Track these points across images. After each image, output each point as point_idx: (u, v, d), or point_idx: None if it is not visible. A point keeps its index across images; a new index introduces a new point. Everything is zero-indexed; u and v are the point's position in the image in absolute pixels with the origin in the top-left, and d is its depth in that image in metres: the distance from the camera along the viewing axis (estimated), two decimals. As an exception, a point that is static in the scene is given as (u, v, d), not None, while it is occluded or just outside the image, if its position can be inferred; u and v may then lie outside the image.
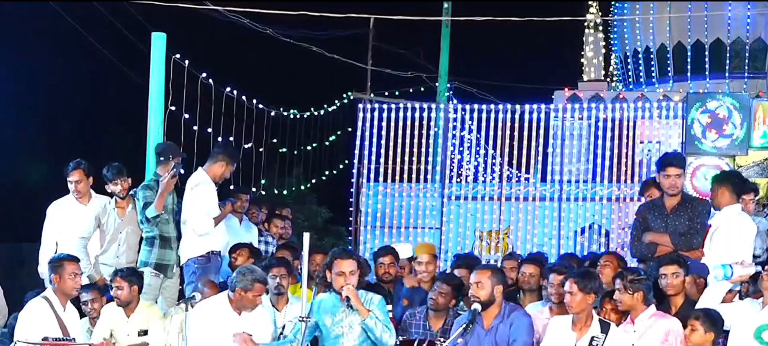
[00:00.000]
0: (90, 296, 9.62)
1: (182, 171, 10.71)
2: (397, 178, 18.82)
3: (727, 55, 29.00)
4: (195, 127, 15.65)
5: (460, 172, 19.74)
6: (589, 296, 8.05)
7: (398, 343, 8.53)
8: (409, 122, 18.68)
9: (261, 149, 18.84)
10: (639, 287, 8.15)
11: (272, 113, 19.83)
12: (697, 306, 8.19)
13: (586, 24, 29.97)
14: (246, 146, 18.09)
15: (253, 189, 18.60)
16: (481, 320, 8.33)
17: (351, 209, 19.11)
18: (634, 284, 8.14)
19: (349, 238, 19.74)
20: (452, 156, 19.61)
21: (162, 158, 10.64)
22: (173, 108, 14.52)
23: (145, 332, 9.37)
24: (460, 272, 9.66)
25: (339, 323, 8.36)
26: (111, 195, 10.69)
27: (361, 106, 19.00)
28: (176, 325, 8.96)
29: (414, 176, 18.84)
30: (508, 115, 18.50)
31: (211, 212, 10.26)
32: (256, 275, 8.52)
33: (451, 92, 26.39)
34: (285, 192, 22.28)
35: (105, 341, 9.11)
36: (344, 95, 22.50)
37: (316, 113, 22.01)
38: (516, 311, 8.39)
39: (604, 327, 7.98)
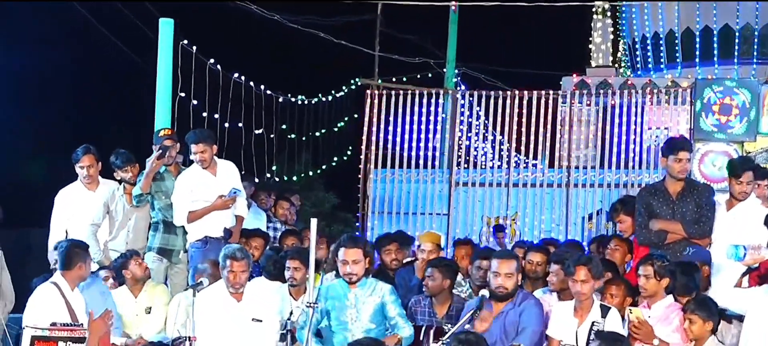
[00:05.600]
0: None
1: (180, 158, 10.72)
2: (405, 164, 18.80)
3: (736, 41, 28.90)
4: (204, 114, 15.69)
5: (467, 158, 19.70)
6: (597, 282, 8.13)
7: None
8: (416, 108, 18.65)
9: (272, 136, 18.87)
10: (666, 274, 8.19)
11: (280, 99, 19.83)
12: (712, 290, 8.18)
13: (594, 10, 29.87)
14: (257, 132, 18.12)
15: (268, 175, 18.66)
16: (490, 306, 8.33)
17: (358, 195, 19.11)
18: (663, 271, 8.17)
19: (357, 224, 19.74)
20: (460, 142, 19.56)
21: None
22: (183, 94, 14.56)
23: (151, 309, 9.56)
24: (483, 264, 9.34)
25: (347, 310, 8.38)
26: (119, 181, 10.72)
27: (368, 92, 18.97)
28: (183, 310, 8.99)
29: (421, 162, 18.82)
30: (516, 101, 18.46)
31: (178, 205, 10.27)
32: None
33: (459, 78, 26.37)
34: (294, 178, 22.31)
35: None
36: (352, 81, 22.48)
37: (323, 99, 22.01)
38: (528, 299, 8.39)
39: (604, 311, 8.03)
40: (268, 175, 18.94)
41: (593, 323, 7.94)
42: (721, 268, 8.72)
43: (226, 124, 16.64)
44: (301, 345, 8.31)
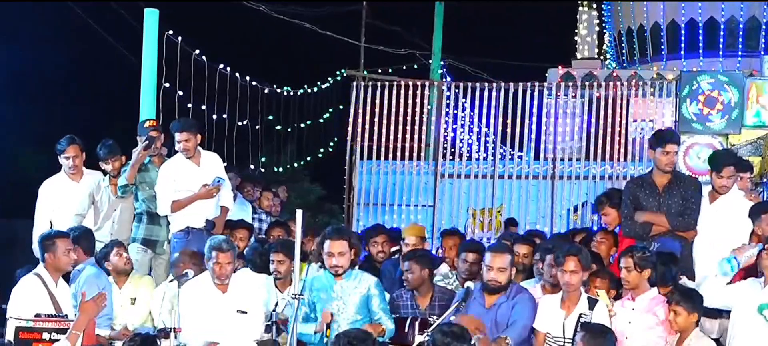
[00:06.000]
0: None
1: (164, 150, 10.69)
2: (390, 155, 18.79)
3: (721, 33, 28.96)
4: (189, 105, 15.66)
5: (453, 149, 19.71)
6: (586, 273, 8.13)
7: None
8: (402, 100, 18.64)
9: (258, 127, 18.86)
10: (647, 265, 8.20)
11: (266, 90, 19.82)
12: (701, 288, 8.20)
13: (579, 2, 29.92)
14: (242, 123, 18.11)
15: (252, 166, 18.64)
16: (482, 298, 8.32)
17: (344, 186, 19.10)
18: (643, 262, 8.18)
19: (343, 215, 19.73)
20: (445, 134, 19.57)
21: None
22: (167, 84, 14.51)
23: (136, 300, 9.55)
24: (469, 256, 9.38)
25: (333, 302, 8.37)
26: (104, 172, 10.69)
27: (354, 83, 18.95)
28: (168, 301, 8.98)
29: (407, 153, 18.81)
30: (502, 93, 18.47)
31: (162, 194, 10.27)
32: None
33: (445, 70, 26.40)
34: (280, 169, 22.31)
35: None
36: (338, 72, 22.47)
37: (309, 91, 21.98)
38: (522, 293, 8.36)
39: (591, 303, 8.04)
40: (252, 166, 18.93)
41: (580, 315, 7.94)
42: (706, 264, 8.74)
43: (214, 116, 16.62)
44: (287, 336, 8.29)
